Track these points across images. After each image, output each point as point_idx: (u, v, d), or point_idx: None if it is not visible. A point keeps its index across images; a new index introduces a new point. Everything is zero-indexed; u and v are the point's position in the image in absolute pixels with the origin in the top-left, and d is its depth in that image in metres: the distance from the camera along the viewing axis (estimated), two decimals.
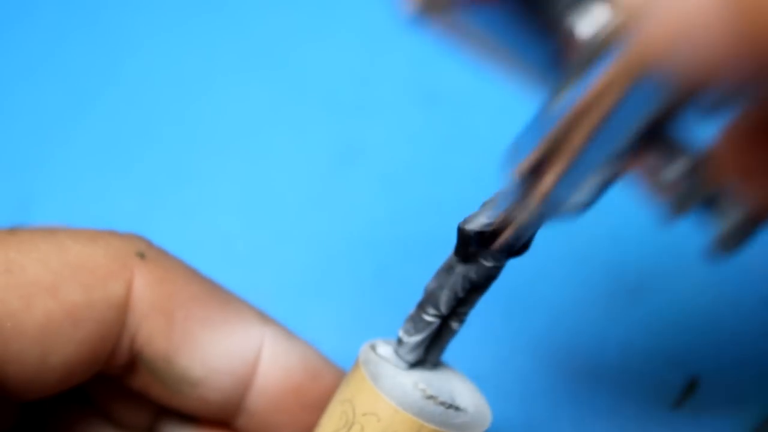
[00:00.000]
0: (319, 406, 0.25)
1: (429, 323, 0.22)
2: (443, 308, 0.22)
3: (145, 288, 0.24)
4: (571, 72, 0.15)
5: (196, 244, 0.39)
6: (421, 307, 0.23)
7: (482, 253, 0.22)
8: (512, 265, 0.39)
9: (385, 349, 0.23)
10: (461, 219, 0.22)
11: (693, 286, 0.36)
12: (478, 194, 0.41)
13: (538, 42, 0.16)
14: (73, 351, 0.23)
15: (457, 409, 0.23)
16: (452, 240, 0.40)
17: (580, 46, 0.15)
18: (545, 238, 0.40)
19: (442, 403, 0.22)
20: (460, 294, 0.22)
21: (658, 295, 0.35)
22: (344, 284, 0.38)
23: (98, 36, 0.44)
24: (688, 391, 0.34)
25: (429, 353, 0.23)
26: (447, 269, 0.22)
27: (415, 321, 0.23)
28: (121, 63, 0.43)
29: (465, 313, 0.23)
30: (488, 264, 0.22)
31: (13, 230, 0.23)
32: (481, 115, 0.41)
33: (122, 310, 0.23)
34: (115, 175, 0.41)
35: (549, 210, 0.19)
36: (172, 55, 0.43)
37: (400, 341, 0.23)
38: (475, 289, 0.22)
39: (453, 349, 0.37)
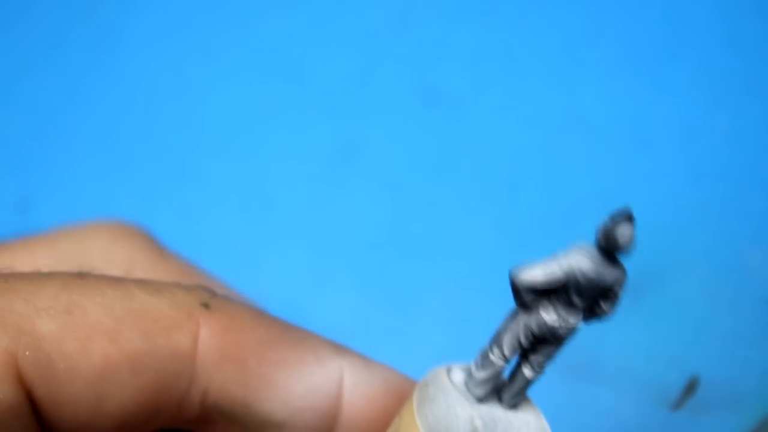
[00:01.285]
0: None
1: (493, 363, 0.22)
2: (506, 352, 0.22)
3: (212, 338, 0.23)
4: None
5: (196, 244, 0.39)
6: (490, 344, 0.22)
7: (542, 305, 0.21)
8: (513, 265, 0.39)
9: (459, 377, 0.23)
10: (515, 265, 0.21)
11: (693, 286, 0.36)
12: (478, 194, 0.41)
13: None
14: (130, 398, 0.22)
15: None
16: (451, 240, 0.40)
17: None
18: (544, 238, 0.40)
19: None
20: (524, 343, 0.22)
21: (658, 295, 0.35)
22: (344, 284, 0.38)
23: (98, 36, 0.44)
24: (688, 391, 0.34)
25: (503, 394, 0.23)
26: (513, 313, 0.22)
27: (483, 357, 0.22)
28: (122, 63, 0.43)
29: (540, 363, 0.22)
30: (549, 317, 0.21)
31: (81, 274, 0.23)
32: (481, 115, 0.41)
33: (188, 361, 0.23)
34: (115, 175, 0.41)
35: None
36: (172, 55, 0.43)
37: (470, 373, 0.23)
38: (542, 341, 0.22)
39: (453, 350, 0.37)
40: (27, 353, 0.21)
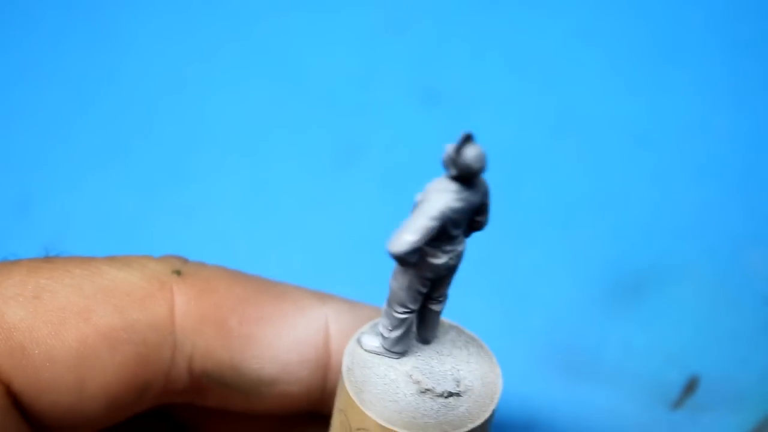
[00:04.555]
0: None
1: (403, 319, 0.22)
2: (411, 305, 0.22)
3: (188, 304, 0.23)
4: None
5: (196, 244, 0.39)
6: (390, 305, 0.22)
7: (428, 252, 0.21)
8: (512, 265, 0.39)
9: (373, 342, 0.23)
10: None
11: (693, 286, 0.36)
12: None
13: None
14: (113, 376, 0.22)
15: (458, 395, 0.22)
16: None
17: None
18: (544, 238, 0.40)
19: (441, 394, 0.22)
20: (423, 290, 0.22)
21: (658, 295, 0.35)
22: (344, 284, 0.37)
23: (99, 36, 0.44)
24: (688, 391, 0.34)
25: (422, 335, 0.23)
26: (401, 272, 0.22)
27: (389, 318, 0.22)
28: (122, 63, 0.43)
29: (441, 295, 0.22)
30: (439, 260, 0.21)
31: (48, 258, 0.23)
32: (481, 115, 0.41)
33: (167, 330, 0.22)
34: (115, 175, 0.41)
35: None
36: (172, 55, 0.43)
37: (382, 337, 0.22)
38: (438, 279, 0.22)
39: None
40: None
